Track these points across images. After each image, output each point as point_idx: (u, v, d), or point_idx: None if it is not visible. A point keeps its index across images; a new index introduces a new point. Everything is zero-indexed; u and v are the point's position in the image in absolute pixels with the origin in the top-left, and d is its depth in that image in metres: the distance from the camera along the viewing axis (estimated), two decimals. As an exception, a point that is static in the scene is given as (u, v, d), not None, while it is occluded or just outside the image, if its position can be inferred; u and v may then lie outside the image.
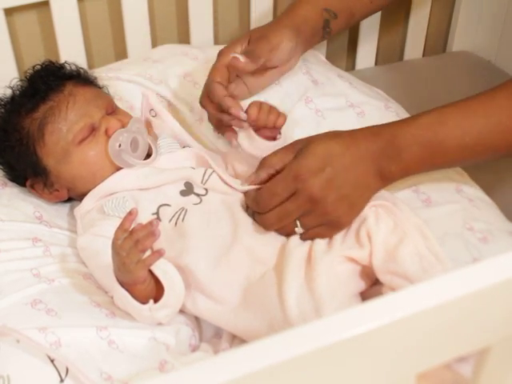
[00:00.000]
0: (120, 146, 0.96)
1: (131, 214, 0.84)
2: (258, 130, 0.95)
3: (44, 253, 0.96)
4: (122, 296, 0.84)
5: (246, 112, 0.93)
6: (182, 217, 0.93)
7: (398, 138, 0.86)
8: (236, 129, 0.98)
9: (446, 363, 0.59)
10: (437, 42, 1.57)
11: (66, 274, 0.94)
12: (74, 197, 1.04)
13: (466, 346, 0.57)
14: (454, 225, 0.92)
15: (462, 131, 0.86)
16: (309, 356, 0.49)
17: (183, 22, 1.37)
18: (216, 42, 1.40)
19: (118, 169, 0.98)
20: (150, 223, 0.82)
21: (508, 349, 0.58)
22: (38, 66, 1.05)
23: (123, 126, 0.98)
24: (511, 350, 0.58)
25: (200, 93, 1.13)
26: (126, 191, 0.96)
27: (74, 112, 0.98)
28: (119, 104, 1.08)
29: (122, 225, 0.83)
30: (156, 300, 0.84)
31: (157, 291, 0.85)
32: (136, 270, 0.81)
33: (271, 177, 0.90)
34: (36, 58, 1.09)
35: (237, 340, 0.89)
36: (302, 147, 0.88)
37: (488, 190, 1.03)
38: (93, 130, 0.98)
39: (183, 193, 0.96)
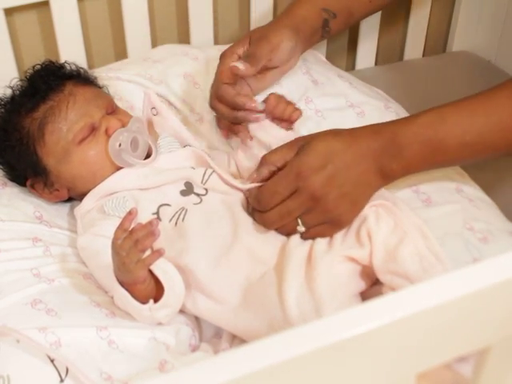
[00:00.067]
0: (120, 145, 0.96)
1: (131, 214, 0.84)
2: (272, 120, 0.97)
3: (44, 253, 0.96)
4: (122, 296, 0.84)
5: (265, 101, 0.96)
6: (182, 217, 0.93)
7: (399, 136, 0.87)
8: (247, 126, 0.99)
9: (446, 363, 0.59)
10: (437, 42, 1.57)
11: (66, 274, 0.94)
12: (74, 196, 1.04)
13: (466, 346, 0.57)
14: (454, 225, 0.92)
15: (463, 130, 0.86)
16: (309, 356, 0.49)
17: (183, 22, 1.37)
18: (216, 42, 1.40)
19: (118, 168, 0.98)
20: (150, 223, 0.82)
21: (508, 349, 0.58)
22: (38, 66, 1.05)
23: (123, 126, 0.98)
24: (511, 350, 0.58)
25: (200, 93, 1.13)
26: (126, 191, 0.96)
27: (74, 112, 0.98)
28: (119, 104, 1.08)
29: (121, 224, 0.83)
30: (156, 300, 0.84)
31: (157, 291, 0.85)
32: (136, 270, 0.81)
33: (272, 174, 0.90)
34: (36, 57, 1.09)
35: (237, 340, 0.89)
36: (303, 144, 0.88)
37: (488, 189, 1.03)
38: (93, 129, 0.98)
39: (183, 193, 0.96)
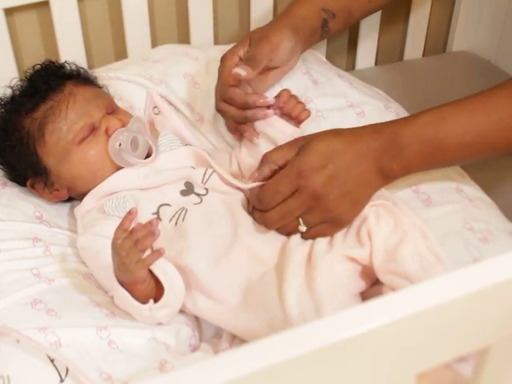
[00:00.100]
0: (120, 145, 0.96)
1: (131, 214, 0.84)
2: (281, 117, 0.98)
3: (44, 253, 0.96)
4: (122, 296, 0.84)
5: (277, 97, 0.97)
6: (182, 217, 0.93)
7: (400, 136, 0.87)
8: (255, 124, 0.99)
9: (446, 363, 0.59)
10: (437, 42, 1.57)
11: (66, 274, 0.94)
12: (74, 196, 1.04)
13: (466, 346, 0.57)
14: (454, 225, 0.92)
15: (463, 129, 0.86)
16: (309, 356, 0.49)
17: (183, 22, 1.37)
18: (216, 42, 1.40)
19: (119, 168, 0.98)
20: (150, 223, 0.82)
21: (508, 349, 0.58)
22: (38, 66, 1.05)
23: (123, 126, 0.98)
24: (511, 350, 0.58)
25: (200, 93, 1.14)
26: (126, 191, 0.96)
27: (75, 111, 0.98)
28: (119, 104, 1.08)
29: (121, 224, 0.83)
30: (156, 300, 0.84)
31: (157, 291, 0.85)
32: (136, 270, 0.81)
33: (274, 173, 0.90)
34: (36, 57, 1.09)
35: (237, 340, 0.89)
36: (303, 144, 0.88)
37: (488, 188, 1.03)
38: (93, 129, 0.98)
39: (183, 192, 0.96)
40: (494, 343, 0.57)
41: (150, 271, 0.84)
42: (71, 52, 1.26)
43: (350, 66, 1.51)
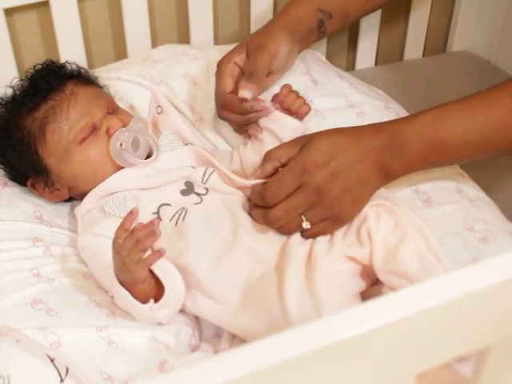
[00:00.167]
0: (121, 145, 0.96)
1: (132, 214, 0.84)
2: (282, 111, 0.99)
3: (44, 252, 0.96)
4: (123, 296, 0.84)
5: (278, 93, 0.99)
6: (182, 216, 0.93)
7: (401, 135, 0.87)
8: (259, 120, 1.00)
9: (446, 363, 0.59)
10: (437, 42, 1.57)
11: (67, 274, 0.94)
12: (74, 196, 1.04)
13: (466, 346, 0.57)
14: (454, 225, 0.92)
15: (463, 128, 0.87)
16: (309, 356, 0.49)
17: (183, 22, 1.37)
18: (216, 42, 1.40)
19: (119, 168, 0.98)
20: (151, 223, 0.82)
21: (508, 349, 0.58)
22: (39, 66, 1.05)
23: (124, 126, 0.98)
24: (511, 350, 0.58)
25: (200, 93, 1.14)
26: (126, 191, 0.97)
27: (76, 111, 0.98)
28: (119, 104, 1.08)
29: (122, 224, 0.83)
30: (156, 300, 0.84)
31: (157, 291, 0.85)
32: (136, 270, 0.81)
33: (276, 170, 0.90)
34: (36, 57, 1.09)
35: (237, 340, 0.89)
36: (306, 142, 0.89)
37: (488, 188, 1.03)
38: (94, 129, 0.98)
39: (184, 192, 0.96)
40: (493, 343, 0.57)
41: (151, 271, 0.84)
42: (71, 52, 1.26)
43: (350, 66, 1.52)
